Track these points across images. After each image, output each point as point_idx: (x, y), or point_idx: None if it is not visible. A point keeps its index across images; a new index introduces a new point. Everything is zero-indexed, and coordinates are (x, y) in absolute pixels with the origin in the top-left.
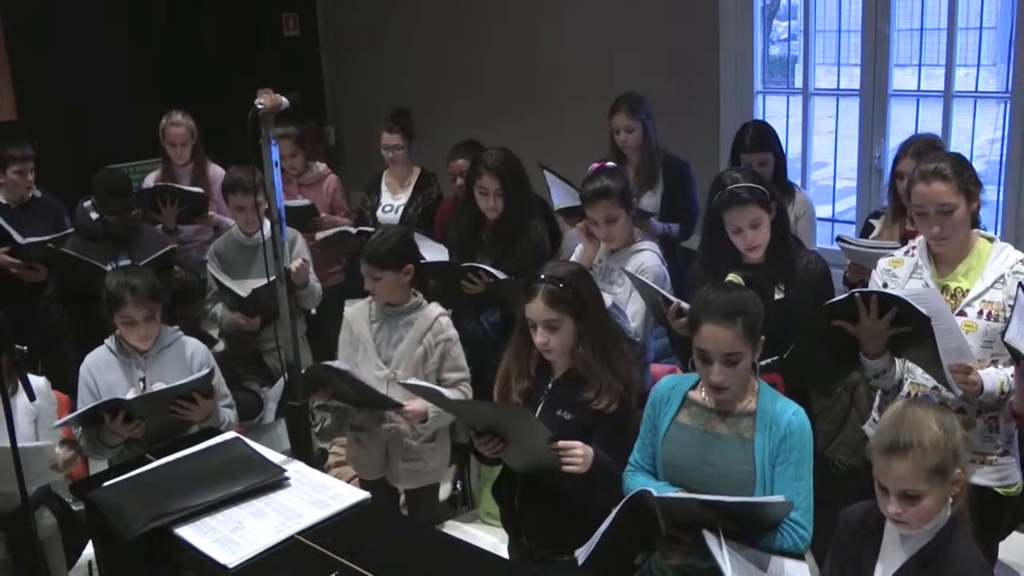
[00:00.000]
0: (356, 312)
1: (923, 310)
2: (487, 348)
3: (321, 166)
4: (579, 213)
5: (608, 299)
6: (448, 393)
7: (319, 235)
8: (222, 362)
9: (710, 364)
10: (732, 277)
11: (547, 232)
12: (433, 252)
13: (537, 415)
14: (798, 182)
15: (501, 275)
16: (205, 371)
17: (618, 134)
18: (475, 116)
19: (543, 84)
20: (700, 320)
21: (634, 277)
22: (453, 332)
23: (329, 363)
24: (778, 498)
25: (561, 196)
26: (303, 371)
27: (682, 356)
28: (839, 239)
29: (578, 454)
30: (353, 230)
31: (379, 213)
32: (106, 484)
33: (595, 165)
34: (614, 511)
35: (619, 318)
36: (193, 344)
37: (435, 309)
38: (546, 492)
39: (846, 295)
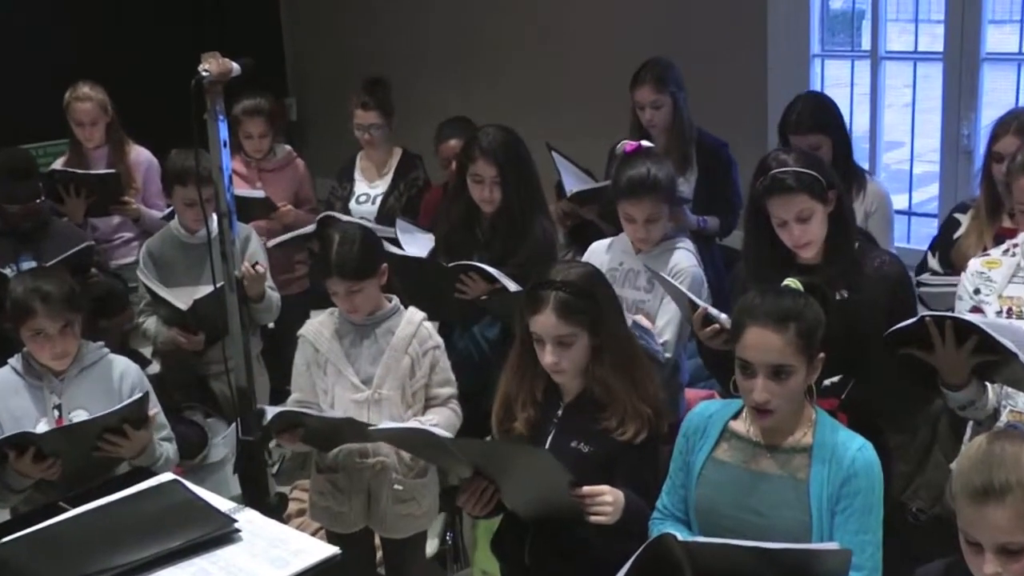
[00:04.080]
0: (317, 328)
1: (1009, 344)
2: (484, 370)
3: (286, 148)
4: (599, 200)
5: (628, 319)
6: (437, 420)
7: (271, 242)
8: (158, 387)
9: (753, 378)
10: (791, 282)
11: (554, 229)
12: (420, 244)
13: (547, 447)
14: (865, 167)
15: (506, 279)
16: (138, 395)
17: (642, 110)
18: (467, 87)
19: (549, 48)
20: (744, 324)
21: (666, 281)
22: (439, 339)
23: (298, 409)
24: (833, 545)
25: (574, 181)
26: (267, 416)
27: (720, 376)
28: (919, 283)
29: (607, 501)
30: (308, 229)
31: (352, 204)
32: (7, 539)
33: (628, 145)
34: (629, 561)
35: (643, 339)
36: (122, 364)
37: (416, 313)
38: (563, 544)
39: (915, 320)
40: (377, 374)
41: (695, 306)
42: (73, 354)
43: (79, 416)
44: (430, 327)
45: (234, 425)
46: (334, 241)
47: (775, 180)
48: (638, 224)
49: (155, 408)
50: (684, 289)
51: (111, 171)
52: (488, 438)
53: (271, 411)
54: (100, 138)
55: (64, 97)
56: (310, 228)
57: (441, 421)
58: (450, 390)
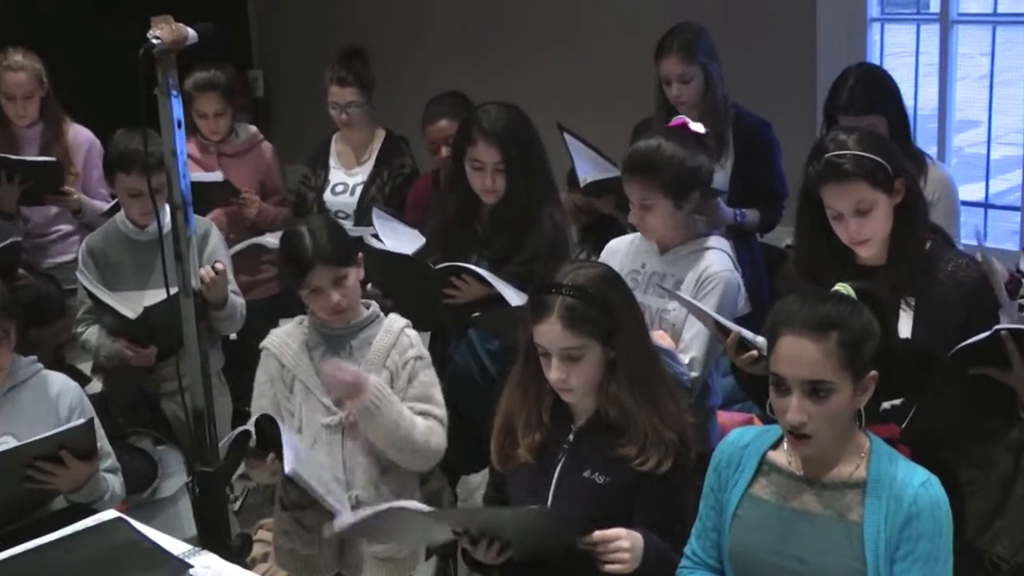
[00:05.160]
0: (283, 339)
1: None
2: (485, 388)
3: (251, 129)
4: (614, 190)
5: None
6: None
7: (233, 249)
8: (100, 409)
9: (787, 395)
10: (841, 287)
11: (566, 223)
12: (403, 239)
13: (556, 478)
14: (932, 151)
15: (504, 286)
16: (80, 421)
17: (668, 85)
18: (460, 58)
19: (558, 12)
20: (778, 332)
21: (682, 299)
22: (424, 350)
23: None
24: None
25: (590, 168)
26: (241, 427)
27: (758, 398)
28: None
29: (624, 547)
30: (272, 242)
31: (328, 195)
32: None
33: (676, 120)
34: None
35: (667, 361)
36: (59, 382)
37: (396, 321)
38: None
39: (989, 333)
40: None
41: (723, 327)
42: (7, 369)
43: (6, 445)
44: (413, 336)
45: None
46: (303, 234)
47: (830, 165)
48: (634, 208)
49: (99, 437)
50: (709, 310)
51: (51, 159)
52: (487, 468)
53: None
54: (34, 114)
55: None
56: (272, 242)
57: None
58: (426, 406)
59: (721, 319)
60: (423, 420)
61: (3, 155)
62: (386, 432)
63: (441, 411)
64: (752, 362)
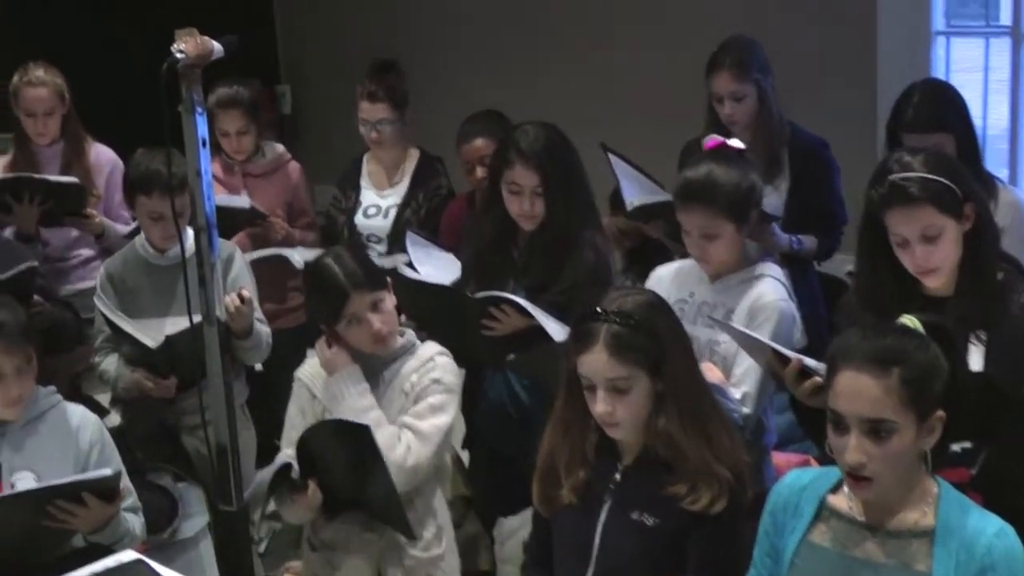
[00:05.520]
0: (316, 369)
1: None
2: (520, 424)
3: (278, 148)
4: (666, 214)
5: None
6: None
7: (251, 256)
8: (117, 443)
9: (845, 434)
10: (907, 320)
11: (609, 249)
12: (439, 266)
13: (602, 520)
14: (1003, 173)
15: (545, 317)
16: (107, 472)
17: (720, 103)
18: (497, 73)
19: (599, 25)
20: (837, 367)
21: (734, 329)
22: (451, 378)
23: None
24: None
25: (636, 191)
26: (289, 452)
27: (817, 436)
28: None
29: None
30: (297, 258)
31: (359, 217)
32: None
33: (710, 140)
34: None
35: (717, 397)
36: (79, 414)
37: (431, 347)
38: None
39: None
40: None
41: (782, 357)
42: (28, 399)
43: (25, 481)
44: (443, 362)
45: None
46: (329, 265)
47: (895, 188)
48: (693, 239)
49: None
50: (763, 338)
51: (74, 180)
52: (530, 509)
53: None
54: (55, 132)
55: (11, 82)
56: (297, 259)
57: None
58: (409, 419)
59: (779, 347)
60: (393, 429)
61: (25, 173)
62: None
63: (426, 425)
64: (813, 392)
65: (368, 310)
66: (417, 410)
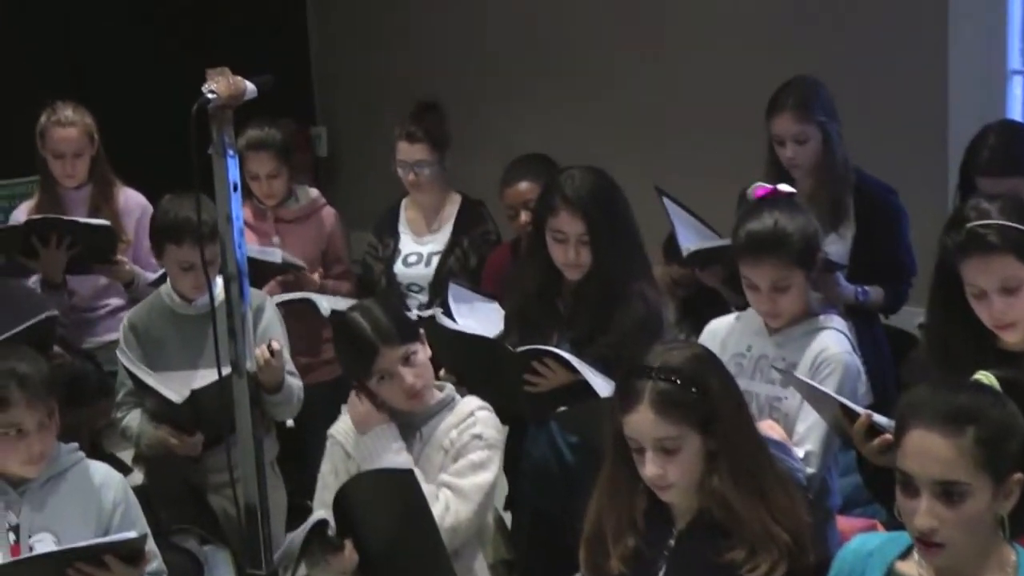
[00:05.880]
0: (351, 426)
1: None
2: (566, 484)
3: (312, 192)
4: (721, 261)
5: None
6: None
7: (276, 298)
8: (141, 503)
9: (915, 497)
10: (983, 376)
11: (661, 299)
12: (480, 317)
13: None
14: None
15: (591, 372)
16: (132, 534)
17: (782, 145)
18: (540, 116)
19: (655, 61)
20: (906, 425)
21: (797, 380)
22: (493, 433)
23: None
24: None
25: (692, 236)
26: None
27: (885, 499)
28: None
29: None
30: (325, 305)
31: (399, 266)
32: None
33: (759, 188)
34: None
35: (779, 455)
36: (102, 472)
37: (472, 401)
38: None
39: None
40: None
41: (849, 410)
42: (50, 456)
43: (44, 543)
44: (484, 416)
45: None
46: (357, 320)
47: (972, 236)
48: (762, 293)
49: (147, 539)
50: (830, 391)
51: (105, 223)
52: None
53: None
54: (83, 175)
55: (38, 122)
56: (325, 305)
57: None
58: (450, 478)
59: (847, 402)
60: (430, 488)
61: (52, 215)
62: None
63: (466, 483)
64: (882, 451)
65: (400, 364)
66: (457, 467)
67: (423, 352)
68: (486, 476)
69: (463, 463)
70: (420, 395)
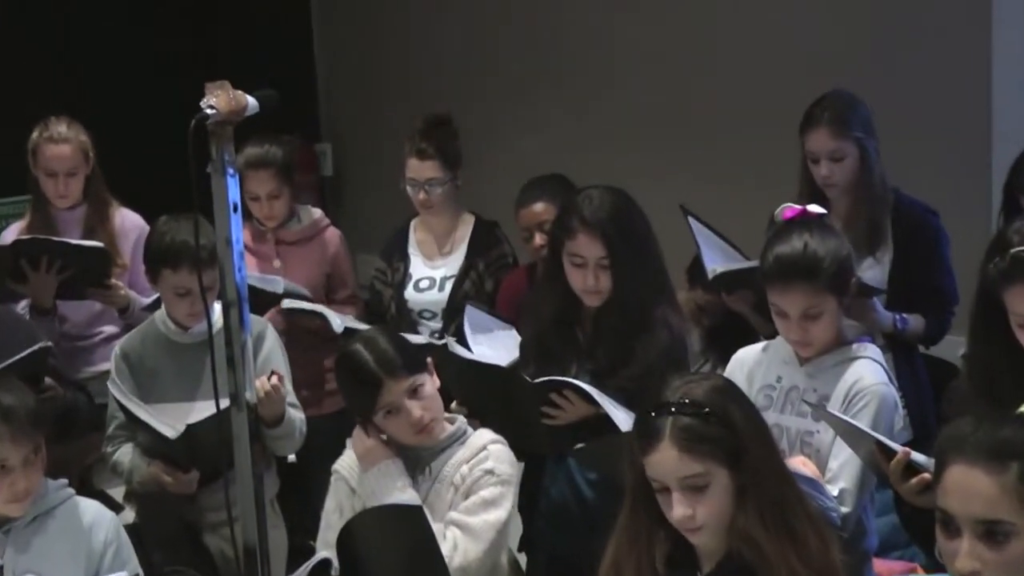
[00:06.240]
0: (355, 460)
1: None
2: (586, 524)
3: (315, 212)
4: (750, 284)
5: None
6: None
7: (285, 302)
8: (133, 543)
9: (956, 537)
10: None
11: (686, 327)
12: (496, 344)
13: None
14: None
15: (611, 405)
16: (123, 574)
17: (816, 163)
18: (556, 133)
19: (682, 80)
20: (947, 460)
21: (830, 414)
22: (506, 468)
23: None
24: None
25: (719, 257)
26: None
27: (925, 542)
28: None
29: None
30: (338, 322)
31: (409, 291)
32: None
33: (788, 210)
34: None
35: (811, 492)
36: (93, 510)
37: (485, 435)
38: None
39: None
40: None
41: (886, 449)
42: (36, 493)
43: None
44: (498, 451)
45: None
46: (360, 352)
47: (1017, 262)
48: (791, 321)
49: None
50: (864, 427)
51: (99, 244)
52: None
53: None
54: (77, 195)
55: (30, 139)
56: (338, 322)
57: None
58: (460, 516)
59: (883, 439)
60: (438, 527)
61: (43, 236)
62: None
63: (477, 521)
64: (921, 490)
65: (406, 397)
66: (467, 505)
67: (431, 383)
68: (498, 514)
69: (474, 500)
70: (428, 429)
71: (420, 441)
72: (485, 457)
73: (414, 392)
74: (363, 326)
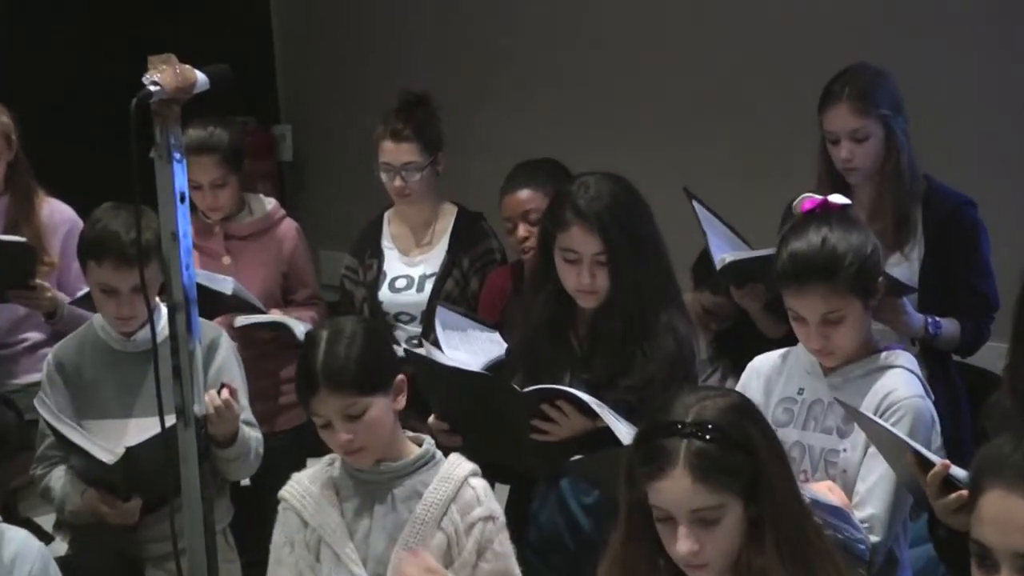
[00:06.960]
0: (306, 487)
1: None
2: (579, 556)
3: (269, 203)
4: (763, 277)
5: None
6: None
7: (238, 320)
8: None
9: (994, 572)
10: None
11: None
12: (475, 349)
13: None
14: None
15: (612, 416)
16: None
17: (836, 144)
18: (545, 116)
19: (679, 50)
20: (983, 485)
21: (863, 416)
22: (495, 507)
23: None
24: None
25: (727, 246)
26: None
27: (960, 570)
28: None
29: None
30: (301, 329)
31: (384, 291)
32: None
33: (807, 201)
34: None
35: (830, 524)
36: (18, 540)
37: (460, 464)
38: None
39: None
40: (392, 561)
41: (924, 462)
42: None
43: None
44: (480, 487)
45: None
46: (318, 342)
47: None
48: (810, 327)
49: None
50: (902, 435)
51: (20, 239)
52: None
53: None
54: None
55: None
56: (301, 328)
57: None
58: None
59: (922, 449)
60: None
61: None
62: None
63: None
64: (958, 507)
65: (337, 418)
66: (495, 569)
67: (379, 409)
68: (511, 562)
69: (498, 564)
70: (360, 455)
71: (354, 463)
72: (474, 500)
73: (349, 416)
74: None
